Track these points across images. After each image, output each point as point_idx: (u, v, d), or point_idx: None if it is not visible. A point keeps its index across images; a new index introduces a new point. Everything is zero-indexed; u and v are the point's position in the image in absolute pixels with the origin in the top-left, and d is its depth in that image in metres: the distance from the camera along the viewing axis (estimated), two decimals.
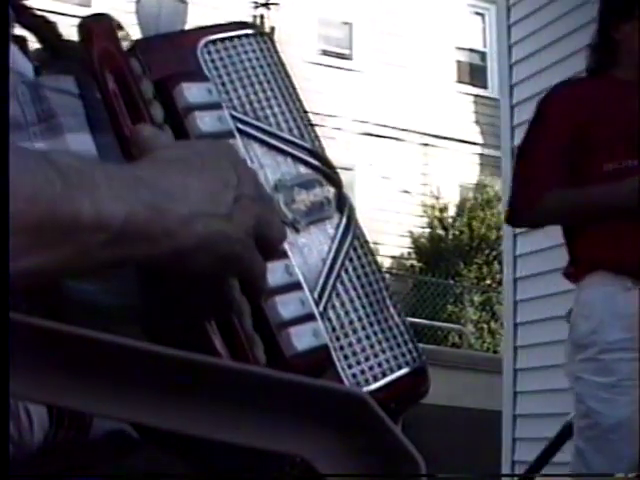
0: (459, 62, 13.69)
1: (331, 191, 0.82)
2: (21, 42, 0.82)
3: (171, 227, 0.59)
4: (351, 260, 0.81)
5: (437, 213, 12.18)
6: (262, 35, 0.87)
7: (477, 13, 13.83)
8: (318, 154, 0.83)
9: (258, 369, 0.65)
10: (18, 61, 0.78)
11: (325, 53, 12.94)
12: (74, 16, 0.81)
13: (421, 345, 0.82)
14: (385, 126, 12.77)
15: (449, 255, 11.63)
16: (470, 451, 4.76)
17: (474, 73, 13.68)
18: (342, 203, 0.83)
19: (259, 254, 0.67)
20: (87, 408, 0.56)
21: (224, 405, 0.54)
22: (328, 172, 0.83)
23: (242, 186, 0.65)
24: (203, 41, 0.83)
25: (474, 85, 13.60)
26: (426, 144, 13.02)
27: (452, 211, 12.22)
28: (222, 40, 0.84)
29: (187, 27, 0.89)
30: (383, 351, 0.78)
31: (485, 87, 13.53)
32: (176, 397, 0.54)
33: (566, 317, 2.48)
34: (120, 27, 0.78)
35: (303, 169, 0.82)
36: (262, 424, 0.54)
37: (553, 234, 3.45)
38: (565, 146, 2.42)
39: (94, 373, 0.53)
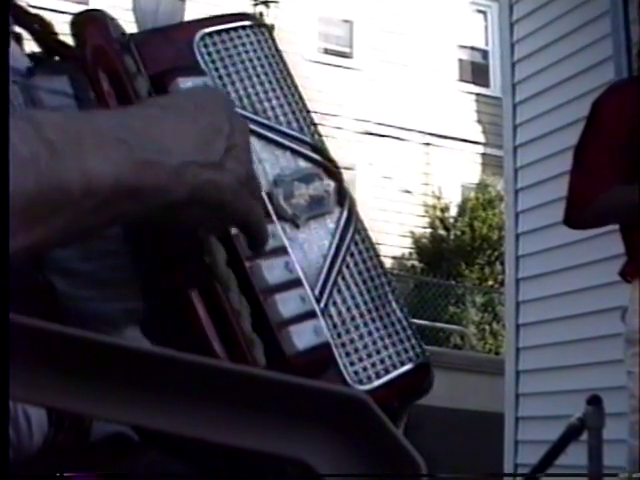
0: (461, 60, 13.68)
1: (331, 185, 0.82)
2: (15, 40, 0.81)
3: (161, 181, 0.58)
4: (352, 255, 0.80)
5: (438, 213, 12.18)
6: (260, 27, 0.86)
7: (479, 11, 13.82)
8: (317, 147, 0.83)
9: (257, 371, 0.65)
10: (12, 60, 0.76)
11: (325, 51, 12.93)
12: (72, 13, 0.80)
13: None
14: (386, 125, 12.77)
15: (451, 256, 11.63)
16: (472, 454, 4.74)
17: (476, 71, 13.68)
18: (342, 197, 0.82)
19: (254, 201, 0.67)
20: (85, 410, 0.56)
21: (223, 407, 0.54)
22: (328, 165, 0.82)
23: (234, 135, 0.65)
24: (200, 34, 0.82)
25: (476, 84, 13.59)
26: (427, 143, 13.02)
27: (454, 211, 12.22)
28: (219, 32, 0.83)
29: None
30: (386, 347, 0.78)
31: (487, 86, 13.51)
32: (174, 399, 0.54)
33: (621, 316, 2.49)
34: (114, 22, 0.77)
35: (302, 163, 0.81)
36: (261, 427, 0.54)
37: (557, 234, 3.44)
38: (621, 145, 2.40)
39: (92, 375, 0.53)
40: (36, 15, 0.83)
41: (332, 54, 12.93)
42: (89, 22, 0.77)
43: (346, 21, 13.14)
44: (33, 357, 0.52)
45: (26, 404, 0.68)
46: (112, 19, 0.77)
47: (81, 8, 0.83)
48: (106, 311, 0.72)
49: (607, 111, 2.48)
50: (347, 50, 13.08)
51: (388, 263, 11.67)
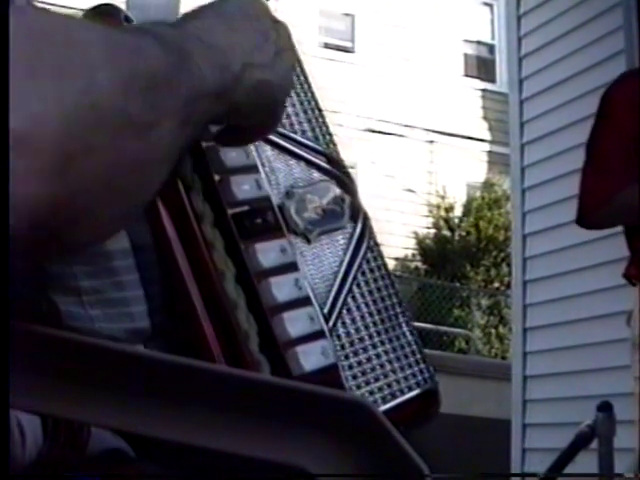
0: (466, 55, 13.73)
1: (345, 199, 0.81)
2: None
3: (228, 84, 0.63)
4: (364, 273, 0.80)
5: (443, 213, 12.21)
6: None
7: (485, 4, 13.88)
8: (333, 158, 0.82)
9: (260, 376, 0.66)
10: None
11: (326, 46, 12.93)
12: (79, 9, 0.82)
13: (426, 351, 0.82)
14: (389, 122, 12.80)
15: (455, 257, 11.63)
16: (478, 462, 4.71)
17: (482, 66, 13.75)
18: (356, 211, 0.81)
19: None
20: (81, 416, 0.55)
21: (224, 414, 0.54)
22: (343, 178, 0.82)
23: (280, 39, 0.70)
24: None
25: (482, 79, 13.64)
26: (431, 141, 13.08)
27: (459, 211, 12.26)
28: None
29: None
30: (394, 371, 0.78)
31: (493, 81, 13.57)
32: (175, 406, 0.53)
33: (627, 320, 2.45)
34: (127, 19, 0.77)
35: (316, 174, 0.81)
36: (264, 434, 0.54)
37: (565, 235, 3.41)
38: (636, 138, 2.33)
39: (88, 380, 0.53)
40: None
41: (333, 49, 12.94)
42: (101, 17, 0.76)
43: (347, 14, 13.17)
44: (26, 362, 0.51)
45: (18, 411, 0.67)
46: (124, 14, 0.77)
47: (83, 2, 0.82)
48: (111, 331, 0.72)
49: (619, 103, 2.43)
50: (348, 44, 13.10)
51: (391, 265, 11.72)
